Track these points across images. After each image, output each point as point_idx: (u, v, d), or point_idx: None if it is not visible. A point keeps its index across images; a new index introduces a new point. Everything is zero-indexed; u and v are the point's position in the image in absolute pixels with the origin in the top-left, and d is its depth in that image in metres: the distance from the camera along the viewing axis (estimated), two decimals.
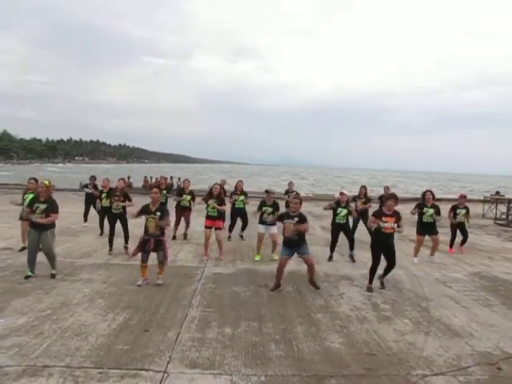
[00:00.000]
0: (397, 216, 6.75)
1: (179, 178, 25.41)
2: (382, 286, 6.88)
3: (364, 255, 8.97)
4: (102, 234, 10.77)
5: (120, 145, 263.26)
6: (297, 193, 12.37)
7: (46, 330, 4.80)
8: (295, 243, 6.60)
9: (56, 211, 6.89)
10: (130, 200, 9.12)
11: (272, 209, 8.66)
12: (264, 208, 8.68)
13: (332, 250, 8.93)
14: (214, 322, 5.25)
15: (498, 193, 21.08)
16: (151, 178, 27.18)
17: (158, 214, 6.58)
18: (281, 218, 6.91)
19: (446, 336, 5.05)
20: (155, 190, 6.89)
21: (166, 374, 3.93)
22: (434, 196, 9.05)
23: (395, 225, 6.68)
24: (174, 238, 10.60)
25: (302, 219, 6.62)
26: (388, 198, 6.93)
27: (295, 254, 6.72)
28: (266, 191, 9.02)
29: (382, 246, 6.78)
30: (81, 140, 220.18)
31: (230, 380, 3.89)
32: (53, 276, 6.86)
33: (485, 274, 8.20)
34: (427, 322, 5.50)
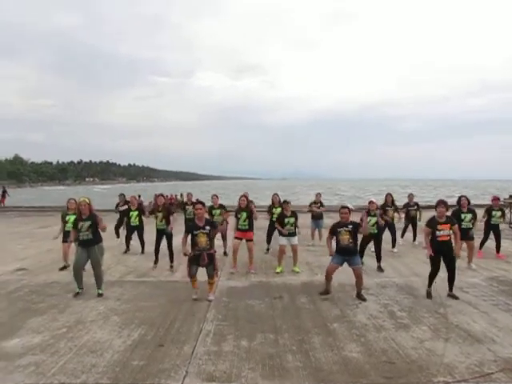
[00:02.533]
0: (451, 222, 6.68)
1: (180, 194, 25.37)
2: (455, 297, 6.72)
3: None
4: (127, 251, 10.86)
5: (129, 165, 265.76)
6: (321, 203, 12.28)
7: (61, 348, 4.80)
8: (349, 252, 6.62)
9: (101, 222, 6.96)
10: (171, 214, 9.13)
11: (294, 219, 8.63)
12: (286, 220, 8.63)
13: (361, 256, 8.80)
14: (229, 335, 5.20)
15: (511, 196, 20.77)
16: (167, 196, 27.26)
17: (208, 228, 6.61)
18: (333, 229, 6.82)
19: (467, 342, 4.94)
20: (199, 205, 6.84)
21: None
22: (469, 201, 8.95)
23: (451, 231, 6.59)
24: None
25: (355, 225, 6.68)
26: (438, 204, 6.76)
27: (345, 263, 6.72)
28: (285, 201, 8.97)
29: (441, 253, 6.67)
30: (91, 161, 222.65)
31: None
32: (100, 295, 6.86)
33: (502, 278, 8.05)
34: (446, 328, 5.40)
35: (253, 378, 4.10)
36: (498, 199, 10.22)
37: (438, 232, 6.61)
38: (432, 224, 6.74)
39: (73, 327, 5.46)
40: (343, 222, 6.72)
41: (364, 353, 4.68)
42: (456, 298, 6.68)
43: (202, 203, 7.25)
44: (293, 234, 8.66)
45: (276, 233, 9.66)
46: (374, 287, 7.40)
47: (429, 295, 6.75)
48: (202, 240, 6.55)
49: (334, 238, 6.80)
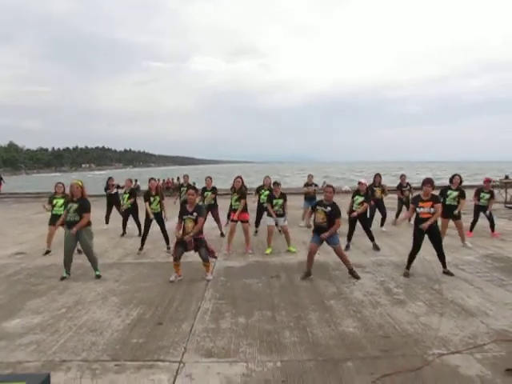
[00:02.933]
0: (434, 200, 6.70)
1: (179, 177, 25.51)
2: (450, 273, 6.79)
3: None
4: (123, 234, 10.91)
5: (126, 150, 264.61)
6: (316, 185, 12.38)
7: (61, 327, 4.86)
8: (323, 230, 6.63)
9: (88, 210, 6.86)
10: (162, 198, 9.13)
11: (282, 200, 8.69)
12: (274, 201, 8.68)
13: (349, 238, 8.90)
14: (227, 312, 5.27)
15: (507, 177, 20.89)
16: (159, 180, 27.29)
17: (195, 214, 6.65)
18: (314, 206, 6.90)
19: (461, 316, 5.03)
20: (191, 191, 6.91)
21: (181, 364, 3.96)
22: (461, 181, 8.95)
23: (432, 209, 6.61)
24: None
25: (335, 210, 6.63)
26: (424, 183, 6.79)
27: (325, 242, 6.76)
28: (275, 183, 9.04)
29: (423, 232, 6.70)
30: (87, 147, 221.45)
31: (246, 367, 3.91)
32: (98, 277, 6.89)
33: (497, 255, 8.14)
34: (441, 303, 5.48)
35: (250, 353, 4.17)
36: (490, 181, 10.22)
37: (418, 209, 6.70)
38: (415, 201, 6.87)
39: (72, 308, 5.51)
40: (325, 200, 6.74)
41: (360, 328, 4.75)
42: (451, 274, 6.76)
43: (195, 189, 7.28)
44: (281, 216, 8.73)
45: (265, 215, 9.71)
46: (370, 265, 7.49)
47: (406, 275, 6.80)
48: (189, 225, 6.61)
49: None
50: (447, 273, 6.82)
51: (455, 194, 8.79)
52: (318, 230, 6.69)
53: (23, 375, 2.33)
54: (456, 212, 8.82)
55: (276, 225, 9.03)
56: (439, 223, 7.67)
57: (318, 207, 6.73)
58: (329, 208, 6.62)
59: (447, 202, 8.76)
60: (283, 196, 8.77)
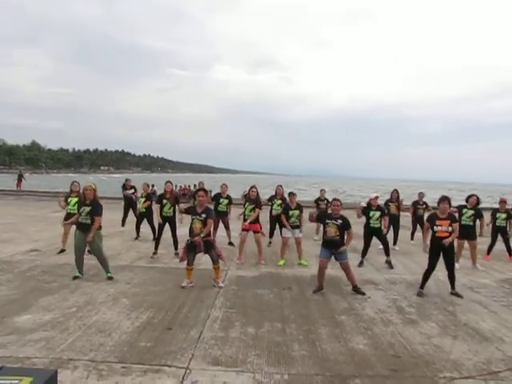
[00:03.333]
0: (452, 219, 6.58)
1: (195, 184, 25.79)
2: (458, 295, 6.65)
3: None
4: (137, 238, 10.96)
5: (144, 155, 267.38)
6: (327, 200, 12.25)
7: (71, 326, 4.88)
8: (335, 245, 6.55)
9: (99, 214, 6.90)
10: (178, 203, 9.14)
11: (298, 212, 8.63)
12: (291, 212, 8.63)
13: (364, 255, 8.78)
14: (236, 322, 5.23)
15: None
16: (176, 185, 27.45)
17: (204, 215, 6.66)
18: (320, 217, 6.79)
19: (475, 340, 4.90)
20: (201, 193, 6.91)
21: (188, 371, 3.94)
22: (478, 202, 8.78)
23: (450, 228, 6.50)
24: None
25: (346, 222, 6.58)
26: (441, 200, 6.65)
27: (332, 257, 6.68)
28: (291, 193, 8.94)
29: (439, 250, 6.60)
30: (106, 150, 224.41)
31: (253, 377, 3.86)
32: (110, 278, 6.92)
33: None
34: (454, 325, 5.36)
35: (258, 364, 4.12)
36: (505, 202, 10.03)
37: (435, 227, 6.57)
38: (431, 219, 6.71)
39: (83, 307, 5.54)
40: (333, 214, 6.67)
41: (370, 345, 4.67)
42: (459, 296, 6.61)
43: (206, 191, 7.29)
44: (297, 227, 8.67)
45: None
46: (383, 283, 7.38)
47: (420, 294, 6.67)
48: (197, 226, 6.61)
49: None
50: (455, 294, 6.68)
51: (470, 212, 8.61)
52: (330, 244, 6.60)
53: (31, 370, 2.34)
54: (478, 233, 8.65)
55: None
56: (455, 244, 7.54)
57: (327, 221, 6.64)
58: (339, 221, 6.56)
59: (463, 222, 8.54)
60: (299, 207, 8.71)
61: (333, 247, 6.58)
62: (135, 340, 4.57)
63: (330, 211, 6.76)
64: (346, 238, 6.61)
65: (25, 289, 6.23)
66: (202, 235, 6.53)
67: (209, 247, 6.68)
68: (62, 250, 8.85)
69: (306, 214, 8.93)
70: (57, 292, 6.13)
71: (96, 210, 6.88)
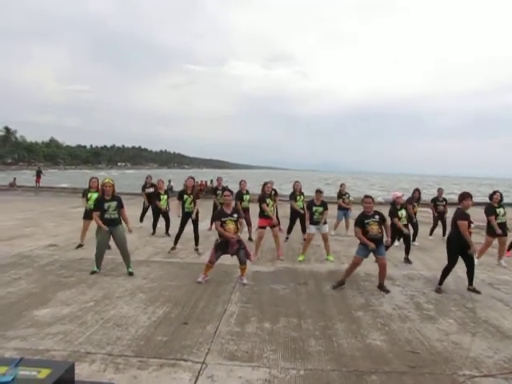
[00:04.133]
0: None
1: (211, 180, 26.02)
2: (476, 291, 6.57)
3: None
4: (154, 233, 11.07)
5: (161, 151, 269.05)
6: (349, 194, 12.20)
7: (88, 320, 4.93)
8: (377, 242, 6.44)
9: (123, 205, 7.15)
10: (199, 198, 9.22)
11: (322, 208, 8.53)
12: (314, 208, 8.55)
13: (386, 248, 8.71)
14: (252, 317, 5.23)
15: None
16: (196, 182, 27.60)
17: (236, 215, 6.72)
18: (359, 221, 6.59)
19: (496, 338, 4.81)
20: (227, 193, 6.97)
21: (204, 365, 3.94)
22: (502, 197, 8.66)
23: (472, 225, 6.42)
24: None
25: (382, 216, 6.54)
26: (464, 197, 6.55)
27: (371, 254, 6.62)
28: (317, 191, 8.82)
29: (461, 247, 6.49)
30: (123, 146, 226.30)
31: (269, 373, 3.85)
32: (130, 274, 6.97)
33: None
34: (473, 322, 5.27)
35: (274, 360, 4.11)
36: None
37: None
38: (464, 217, 6.49)
39: (100, 301, 5.59)
40: (368, 212, 6.57)
41: (388, 341, 4.62)
42: (477, 291, 6.52)
43: (230, 191, 7.29)
44: (323, 223, 8.58)
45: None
46: (400, 278, 7.30)
47: (438, 291, 6.58)
48: (231, 227, 6.59)
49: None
50: (472, 290, 6.59)
51: (503, 210, 8.51)
52: (374, 242, 6.45)
53: (49, 362, 2.36)
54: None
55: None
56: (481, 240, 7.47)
57: (366, 221, 6.48)
58: (377, 217, 6.49)
59: (498, 221, 8.45)
60: (323, 204, 8.62)
61: (377, 244, 6.46)
62: (152, 334, 4.60)
63: (363, 210, 6.64)
64: (384, 231, 6.56)
65: (44, 283, 6.32)
66: (238, 234, 6.64)
67: (240, 247, 6.65)
68: (80, 245, 8.96)
69: (330, 210, 8.89)
70: (74, 286, 6.20)
71: (121, 202, 7.09)
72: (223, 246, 6.57)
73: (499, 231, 8.32)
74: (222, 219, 6.63)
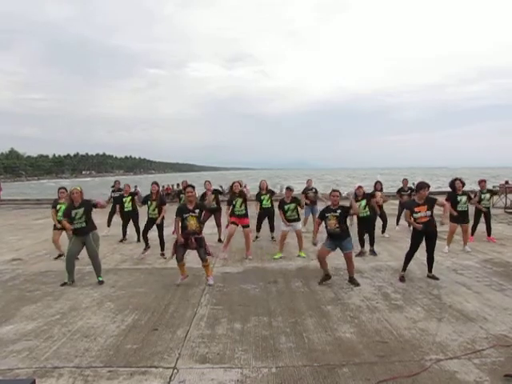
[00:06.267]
0: (429, 202, 6.63)
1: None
2: (435, 277, 6.77)
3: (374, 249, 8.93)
4: (123, 240, 10.88)
5: (126, 157, 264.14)
6: (316, 190, 12.30)
7: (55, 333, 4.80)
8: (337, 237, 6.56)
9: (95, 205, 6.95)
10: (164, 204, 9.08)
11: (294, 205, 8.60)
12: (286, 206, 8.59)
13: (362, 244, 8.85)
14: (223, 318, 5.21)
15: (507, 182, 20.82)
16: (163, 186, 27.20)
17: (197, 211, 6.64)
18: (321, 213, 6.74)
19: (460, 321, 4.97)
20: (189, 189, 6.87)
21: (175, 370, 3.90)
22: (463, 184, 8.91)
23: (429, 212, 6.56)
24: None
25: (345, 209, 6.60)
26: (420, 187, 6.71)
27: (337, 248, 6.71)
28: (287, 188, 8.86)
29: (422, 234, 6.71)
30: (87, 154, 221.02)
31: (241, 373, 3.85)
32: (100, 283, 6.82)
33: (497, 260, 8.09)
34: (439, 308, 5.43)
35: (246, 360, 4.11)
36: (485, 181, 10.19)
37: (414, 214, 6.66)
38: (410, 206, 6.81)
39: (67, 313, 5.45)
40: (332, 206, 6.68)
41: (357, 333, 4.69)
42: (436, 278, 6.74)
43: (193, 186, 7.24)
44: (296, 220, 8.65)
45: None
46: (368, 270, 7.44)
47: (402, 279, 6.76)
48: (192, 223, 6.56)
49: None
50: (432, 277, 6.80)
51: (464, 198, 8.79)
52: (333, 237, 6.60)
53: (8, 381, 2.28)
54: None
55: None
56: (446, 228, 7.71)
57: (326, 214, 6.61)
58: (339, 211, 6.56)
59: (459, 208, 8.74)
60: (295, 200, 8.67)
61: (336, 239, 6.58)
62: (121, 343, 4.52)
63: (328, 204, 6.76)
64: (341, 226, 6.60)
65: (6, 299, 6.11)
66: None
67: (200, 244, 6.62)
68: (60, 255, 8.72)
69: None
70: (40, 300, 6.03)
71: (88, 206, 6.87)
72: (182, 244, 6.57)
73: (455, 213, 8.61)
74: (184, 215, 6.59)
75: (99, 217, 7.14)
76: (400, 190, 12.18)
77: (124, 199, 10.72)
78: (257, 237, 10.74)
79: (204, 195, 10.30)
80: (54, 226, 8.82)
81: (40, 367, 3.98)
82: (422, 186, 6.68)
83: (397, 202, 12.91)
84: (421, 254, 6.99)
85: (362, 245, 8.81)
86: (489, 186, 10.92)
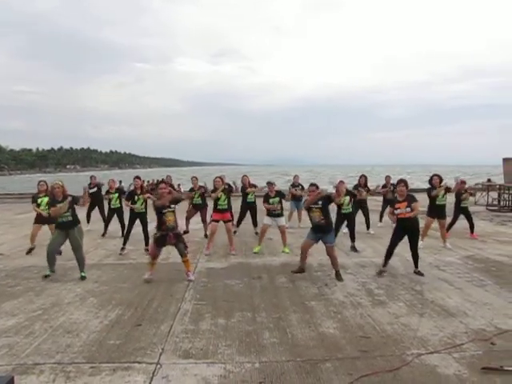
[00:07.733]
0: (409, 199, 6.70)
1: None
2: (420, 273, 6.82)
3: (358, 245, 8.99)
4: (104, 234, 10.81)
5: (111, 151, 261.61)
6: (302, 186, 12.34)
7: (36, 329, 4.74)
8: (321, 229, 6.63)
9: (78, 198, 6.95)
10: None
11: (278, 198, 8.63)
12: (271, 200, 8.62)
13: (335, 234, 8.86)
14: (207, 314, 5.21)
15: (489, 180, 21.19)
16: (148, 181, 26.98)
17: (174, 206, 6.66)
18: (306, 205, 6.81)
19: (441, 316, 5.04)
20: (163, 185, 6.89)
21: (158, 366, 3.89)
22: (441, 180, 8.99)
23: (408, 209, 6.63)
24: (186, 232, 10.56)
25: (325, 198, 6.66)
26: (398, 183, 6.91)
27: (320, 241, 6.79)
28: (268, 183, 8.92)
29: (404, 231, 6.80)
30: (71, 148, 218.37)
31: (224, 368, 3.85)
32: (82, 278, 6.76)
33: (478, 256, 8.23)
34: (421, 304, 5.50)
35: (229, 355, 4.12)
36: (464, 183, 10.32)
37: (395, 211, 6.76)
38: (392, 203, 6.97)
39: (49, 309, 5.39)
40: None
41: (340, 329, 4.73)
42: (421, 274, 6.81)
43: (166, 183, 7.23)
44: (279, 215, 8.67)
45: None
46: (352, 267, 7.49)
47: (380, 273, 6.85)
48: (170, 218, 6.57)
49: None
50: (418, 273, 6.87)
51: (442, 192, 8.86)
52: (317, 229, 6.68)
53: None
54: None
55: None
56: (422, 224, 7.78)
57: (310, 206, 6.68)
58: (320, 202, 6.60)
59: (437, 202, 8.87)
60: (279, 194, 8.70)
61: (319, 231, 6.66)
62: (104, 338, 4.49)
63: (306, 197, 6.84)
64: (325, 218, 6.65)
65: None
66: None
67: (178, 240, 6.63)
68: (31, 249, 8.63)
69: (284, 202, 8.97)
70: (21, 295, 5.95)
71: (75, 199, 6.87)
72: (161, 239, 6.56)
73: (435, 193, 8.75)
74: (163, 211, 6.58)
75: (78, 212, 7.09)
76: (384, 187, 12.29)
77: (111, 196, 10.62)
78: (235, 231, 10.70)
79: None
80: (35, 220, 8.73)
81: (20, 364, 3.93)
82: (398, 182, 6.92)
83: (377, 198, 13.03)
84: (404, 250, 7.07)
85: (335, 235, 8.85)
86: (470, 183, 11.06)
